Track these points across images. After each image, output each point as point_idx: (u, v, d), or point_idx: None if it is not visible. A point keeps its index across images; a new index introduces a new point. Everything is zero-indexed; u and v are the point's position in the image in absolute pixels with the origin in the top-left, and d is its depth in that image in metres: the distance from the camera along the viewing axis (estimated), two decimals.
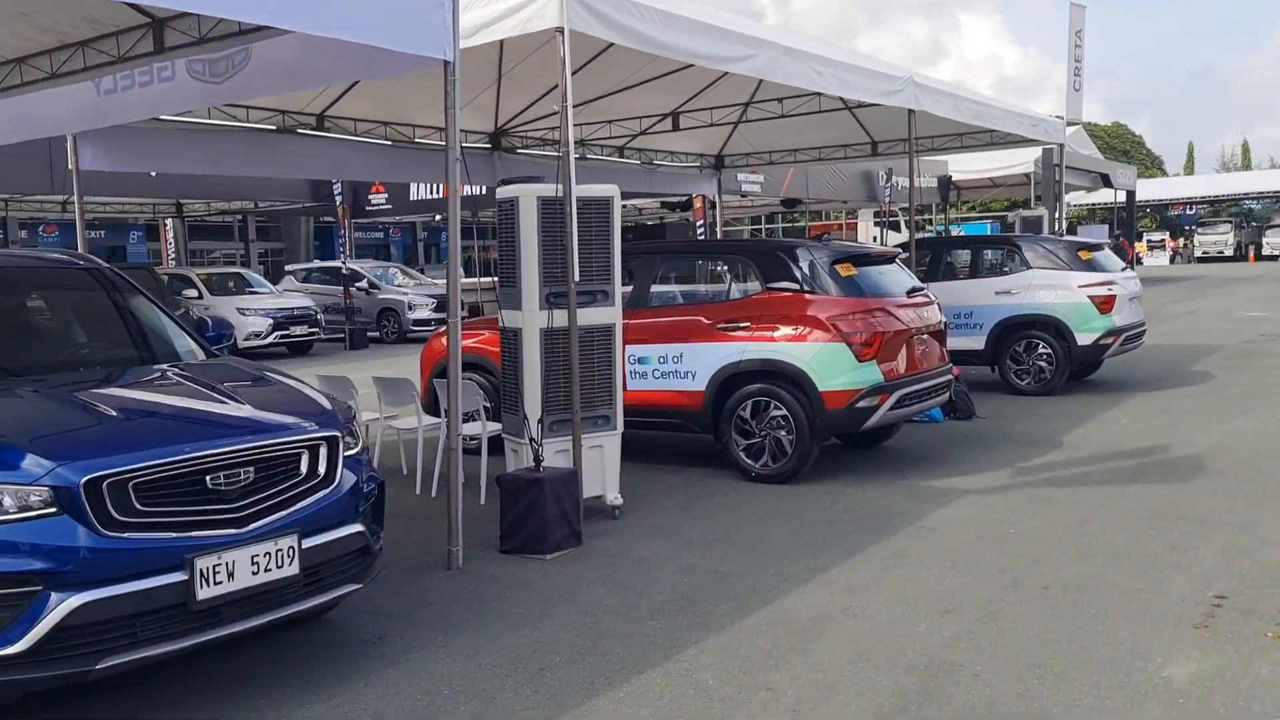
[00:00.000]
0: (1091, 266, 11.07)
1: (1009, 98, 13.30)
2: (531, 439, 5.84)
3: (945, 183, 30.69)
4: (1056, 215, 17.32)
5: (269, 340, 18.78)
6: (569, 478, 5.76)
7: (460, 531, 5.49)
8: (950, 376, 7.96)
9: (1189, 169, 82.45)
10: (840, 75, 8.56)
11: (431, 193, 25.25)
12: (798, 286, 7.27)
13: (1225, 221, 57.16)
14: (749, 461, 7.30)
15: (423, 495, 7.15)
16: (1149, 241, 57.51)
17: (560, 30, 5.80)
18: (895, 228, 36.90)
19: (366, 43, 5.06)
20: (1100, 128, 69.64)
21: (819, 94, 9.88)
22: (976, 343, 11.22)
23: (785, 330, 7.12)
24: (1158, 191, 60.07)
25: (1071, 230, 42.90)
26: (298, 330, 19.31)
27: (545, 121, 12.40)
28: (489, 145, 12.56)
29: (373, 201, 26.65)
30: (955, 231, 44.81)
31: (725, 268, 8.02)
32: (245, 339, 18.23)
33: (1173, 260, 53.22)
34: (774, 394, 7.13)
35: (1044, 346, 10.88)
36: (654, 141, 14.87)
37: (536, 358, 6.05)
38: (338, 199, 21.62)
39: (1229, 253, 52.97)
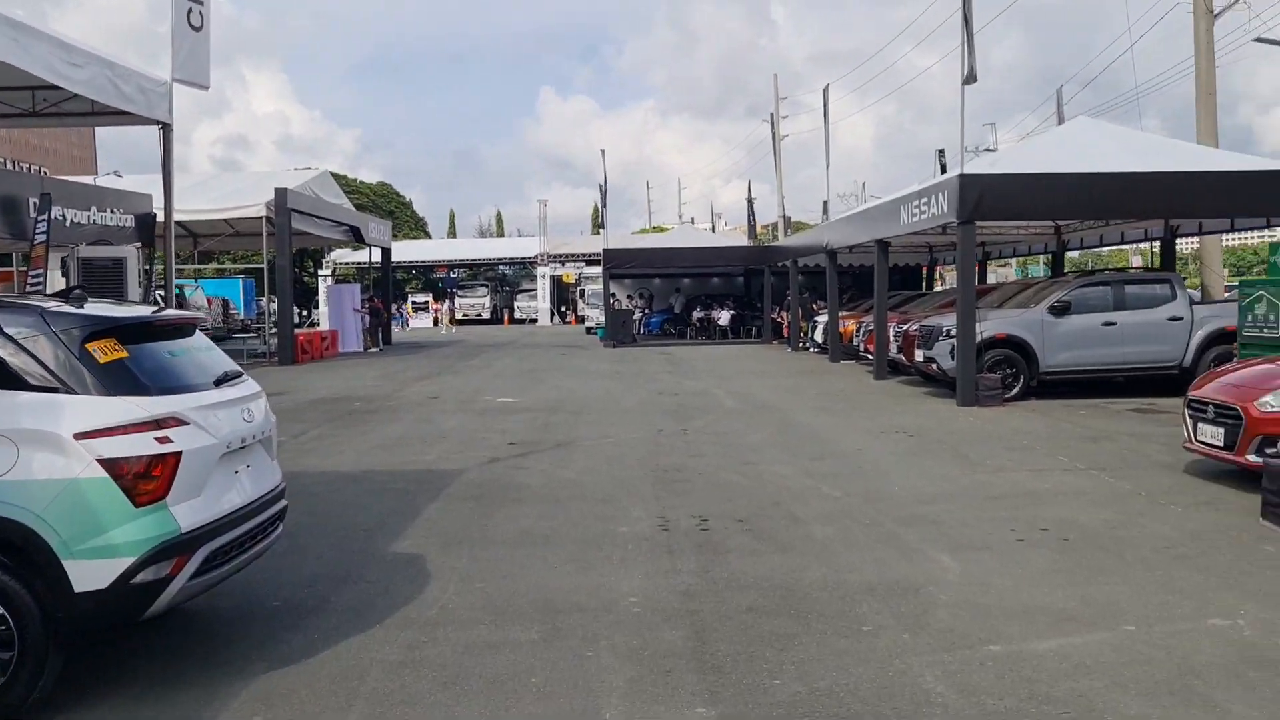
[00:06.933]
0: (119, 378, 4.47)
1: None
2: None
3: (147, 221, 22.78)
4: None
5: None
6: None
7: None
8: None
9: (451, 234, 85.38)
10: None
11: None
12: None
13: (483, 285, 58.17)
14: None
15: None
16: (414, 303, 56.06)
17: None
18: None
19: None
20: (366, 185, 67.50)
21: None
22: None
23: None
24: (421, 253, 59.26)
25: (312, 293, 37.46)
26: None
27: None
28: None
29: None
30: (192, 291, 36.89)
31: None
32: None
33: (435, 323, 51.78)
34: None
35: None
36: None
37: None
38: None
39: (486, 315, 53.24)
